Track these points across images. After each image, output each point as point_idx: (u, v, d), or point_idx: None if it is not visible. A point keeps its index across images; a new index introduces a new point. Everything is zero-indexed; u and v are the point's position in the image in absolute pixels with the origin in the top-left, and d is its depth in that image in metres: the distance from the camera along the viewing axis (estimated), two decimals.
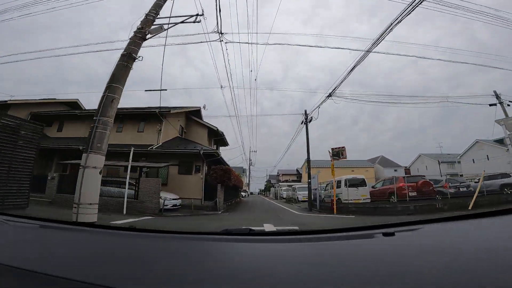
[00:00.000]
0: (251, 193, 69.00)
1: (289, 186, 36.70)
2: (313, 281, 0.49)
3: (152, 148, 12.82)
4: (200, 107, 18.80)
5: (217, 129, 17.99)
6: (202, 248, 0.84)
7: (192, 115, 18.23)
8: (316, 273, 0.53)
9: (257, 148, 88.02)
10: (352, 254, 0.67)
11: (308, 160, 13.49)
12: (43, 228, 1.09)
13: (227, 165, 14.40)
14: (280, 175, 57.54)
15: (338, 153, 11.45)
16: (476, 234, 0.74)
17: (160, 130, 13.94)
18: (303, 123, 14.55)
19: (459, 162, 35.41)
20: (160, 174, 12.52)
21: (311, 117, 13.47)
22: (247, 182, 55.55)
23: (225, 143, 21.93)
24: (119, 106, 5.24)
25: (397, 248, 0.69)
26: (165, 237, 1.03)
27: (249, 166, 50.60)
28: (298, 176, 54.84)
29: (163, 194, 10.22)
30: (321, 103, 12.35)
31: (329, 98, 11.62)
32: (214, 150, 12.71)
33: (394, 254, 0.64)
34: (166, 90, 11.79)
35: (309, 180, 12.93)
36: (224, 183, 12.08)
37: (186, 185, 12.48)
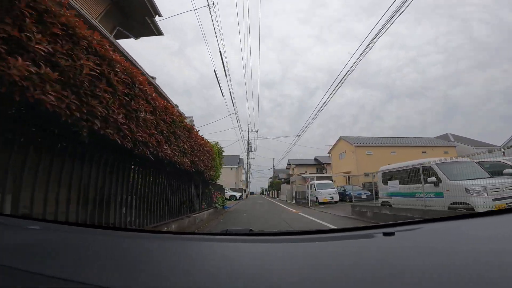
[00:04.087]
0: (252, 193, 52.33)
1: (322, 176, 19.51)
2: (314, 281, 0.50)
3: None
4: None
5: None
6: (203, 248, 0.85)
7: None
8: (317, 273, 0.54)
9: (256, 149, 69.36)
10: (352, 254, 0.68)
11: None
12: (43, 229, 1.08)
13: None
14: (293, 166, 40.53)
15: None
16: (475, 233, 0.73)
17: None
18: None
19: None
20: None
21: None
22: (245, 179, 38.56)
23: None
24: None
25: (397, 248, 0.69)
26: (165, 237, 1.08)
27: (248, 153, 33.40)
28: (319, 167, 38.01)
29: None
30: None
31: None
32: None
33: (394, 253, 0.64)
34: None
35: None
36: None
37: None
